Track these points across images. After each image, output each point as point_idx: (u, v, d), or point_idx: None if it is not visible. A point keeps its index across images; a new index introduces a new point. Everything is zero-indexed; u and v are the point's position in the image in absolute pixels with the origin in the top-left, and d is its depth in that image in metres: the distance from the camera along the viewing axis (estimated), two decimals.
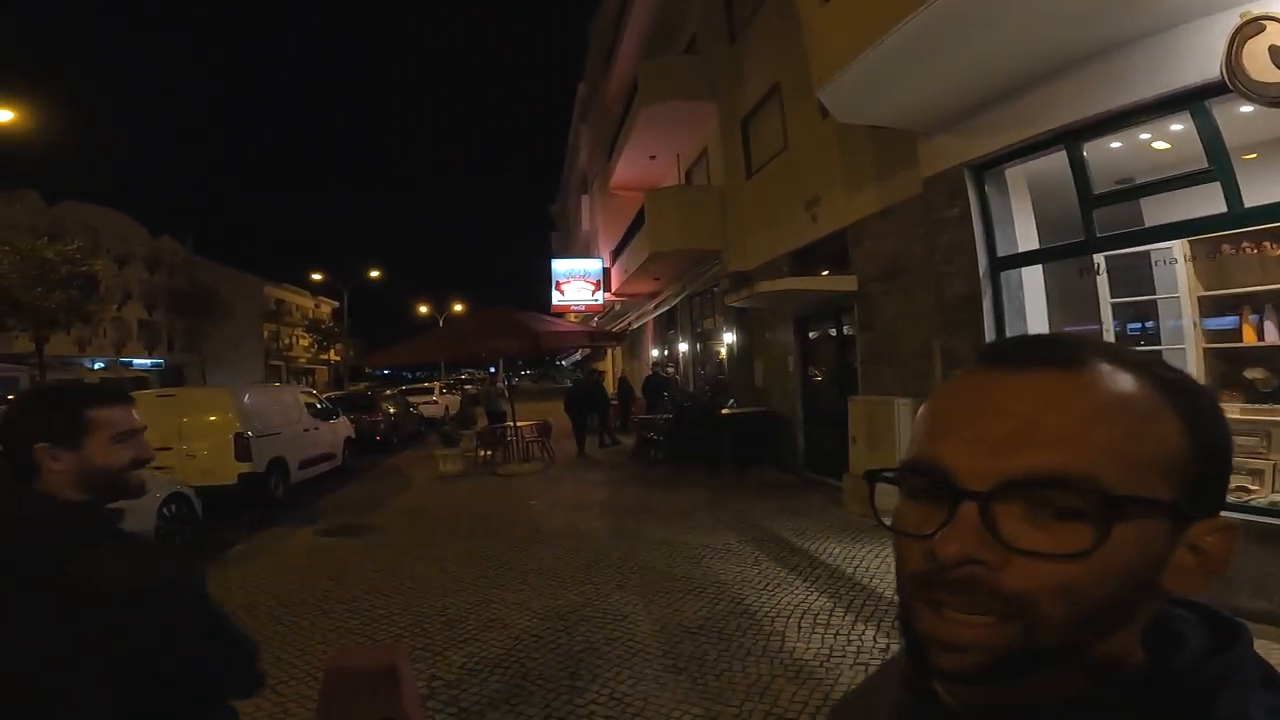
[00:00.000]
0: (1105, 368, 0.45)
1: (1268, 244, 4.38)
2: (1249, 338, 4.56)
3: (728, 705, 3.24)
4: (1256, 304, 4.57)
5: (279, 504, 9.08)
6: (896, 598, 0.49)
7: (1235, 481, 4.25)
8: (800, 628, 4.12)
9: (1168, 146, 4.74)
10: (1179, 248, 4.75)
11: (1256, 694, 0.43)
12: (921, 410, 0.50)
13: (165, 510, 6.74)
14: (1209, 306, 4.72)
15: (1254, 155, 4.19)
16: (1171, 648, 0.46)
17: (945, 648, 0.43)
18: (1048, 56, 4.39)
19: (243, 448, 8.74)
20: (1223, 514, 0.46)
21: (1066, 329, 5.54)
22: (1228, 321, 4.69)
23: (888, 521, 0.50)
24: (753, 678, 3.50)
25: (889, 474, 0.50)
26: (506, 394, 13.54)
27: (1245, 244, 4.49)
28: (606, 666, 3.73)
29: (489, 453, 12.39)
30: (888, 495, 0.53)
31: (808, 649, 3.81)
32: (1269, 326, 4.49)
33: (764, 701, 3.25)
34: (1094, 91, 4.38)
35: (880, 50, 4.47)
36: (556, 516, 7.69)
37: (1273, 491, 4.00)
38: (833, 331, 9.08)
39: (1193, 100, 3.96)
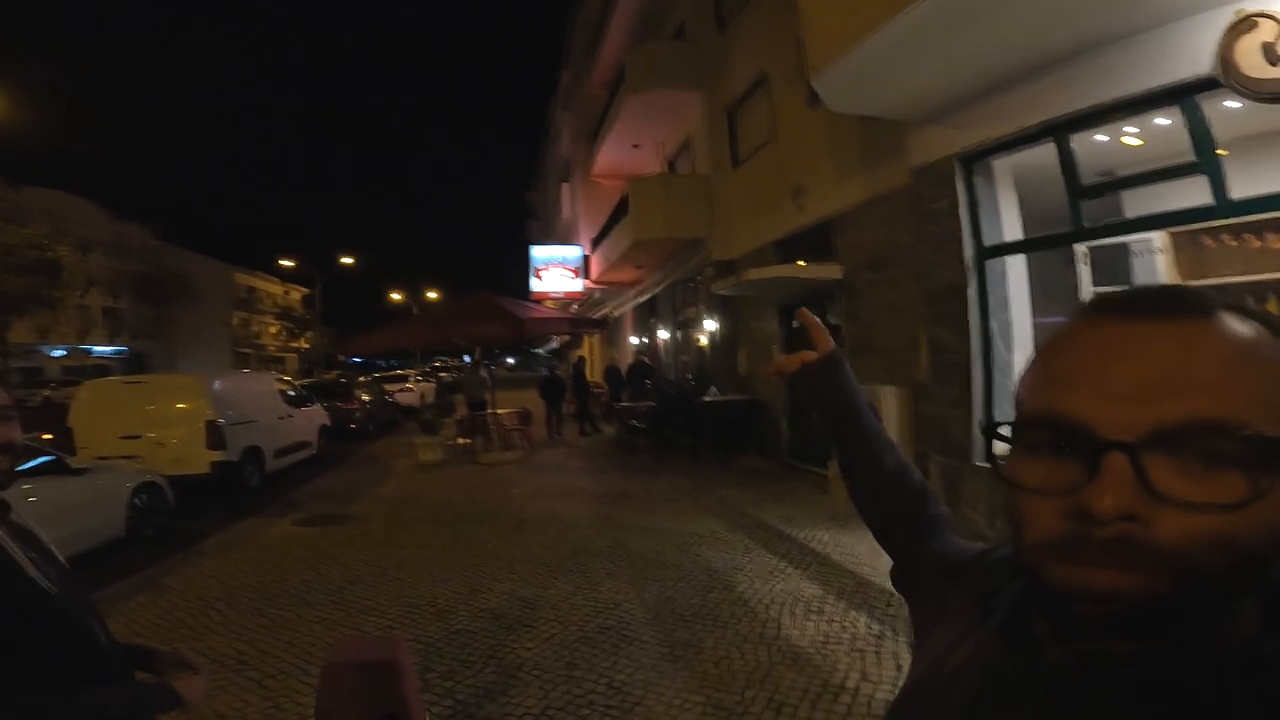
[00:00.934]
0: (1233, 316, 0.44)
1: (1248, 236, 4.48)
2: None
3: (729, 693, 3.23)
4: (1236, 295, 4.67)
5: (254, 493, 8.87)
6: (1025, 561, 0.46)
7: None
8: (794, 615, 4.14)
9: (1140, 143, 4.82)
10: (1160, 239, 4.85)
11: None
12: (1032, 364, 0.48)
13: (137, 500, 6.53)
14: None
15: (1226, 152, 4.27)
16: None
17: (1096, 599, 0.42)
18: (1041, 50, 4.40)
19: (216, 435, 8.50)
20: None
21: (1046, 319, 5.64)
22: None
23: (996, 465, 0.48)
24: (751, 665, 3.50)
25: (1007, 427, 0.48)
26: (488, 382, 13.38)
27: (1225, 236, 4.59)
28: (603, 656, 3.71)
29: (469, 441, 12.26)
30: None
31: (803, 636, 3.82)
32: None
33: (765, 689, 3.25)
34: (1085, 85, 4.41)
35: (878, 40, 4.45)
36: (541, 504, 7.63)
37: None
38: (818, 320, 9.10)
39: (1182, 95, 4.01)
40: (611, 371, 16.39)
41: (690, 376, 13.17)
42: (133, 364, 44.95)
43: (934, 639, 0.65)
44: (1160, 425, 0.40)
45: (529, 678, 3.50)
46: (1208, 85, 3.79)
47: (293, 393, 11.69)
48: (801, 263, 8.54)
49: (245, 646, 3.98)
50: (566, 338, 23.13)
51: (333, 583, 5.14)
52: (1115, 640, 0.43)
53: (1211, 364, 0.41)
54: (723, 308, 11.48)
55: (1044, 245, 5.22)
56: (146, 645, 1.43)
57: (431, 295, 45.00)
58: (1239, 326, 0.43)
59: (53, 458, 5.83)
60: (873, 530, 0.95)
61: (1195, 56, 3.74)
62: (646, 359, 15.50)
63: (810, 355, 0.97)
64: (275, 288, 63.91)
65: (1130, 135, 4.75)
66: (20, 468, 1.30)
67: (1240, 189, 3.94)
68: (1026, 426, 0.46)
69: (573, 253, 20.46)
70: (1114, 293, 0.49)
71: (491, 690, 3.37)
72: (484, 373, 14.18)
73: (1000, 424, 0.49)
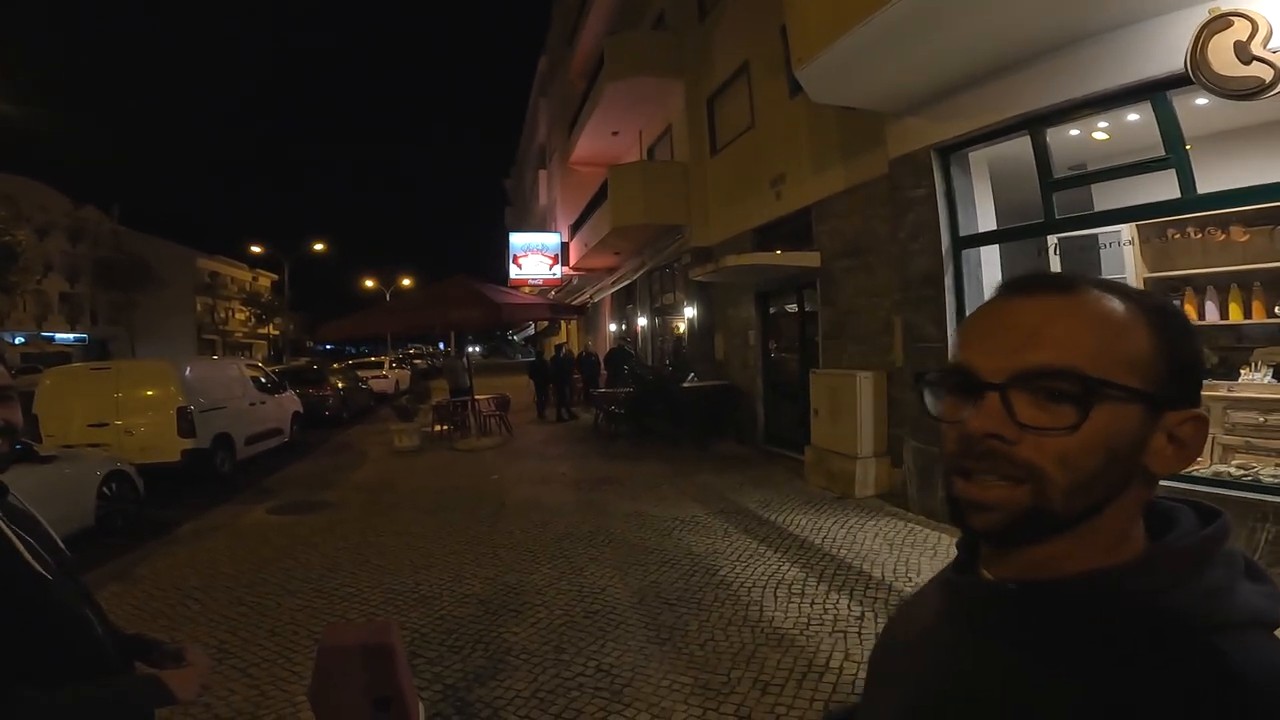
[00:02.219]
0: (1094, 292, 0.56)
1: (1212, 229, 4.64)
2: (1190, 317, 4.83)
3: (715, 674, 3.30)
4: (1198, 286, 4.85)
5: (226, 481, 8.73)
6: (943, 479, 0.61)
7: None
8: (777, 597, 4.22)
9: (1106, 137, 4.96)
10: (1128, 231, 5.00)
11: (1242, 582, 0.54)
12: (958, 329, 0.63)
13: (106, 489, 6.39)
14: (1153, 288, 4.98)
15: (1190, 146, 4.40)
16: (1166, 529, 0.58)
17: (975, 507, 0.56)
18: (1019, 44, 4.49)
19: (186, 423, 8.34)
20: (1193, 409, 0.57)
21: None
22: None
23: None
24: (736, 646, 3.58)
25: (933, 375, 0.62)
26: (468, 367, 13.30)
27: (1190, 229, 4.75)
28: (590, 639, 3.75)
29: (446, 427, 12.18)
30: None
31: (786, 618, 3.91)
32: (1210, 307, 4.77)
33: (750, 669, 3.32)
34: (1059, 80, 4.51)
35: (863, 32, 4.49)
36: (521, 491, 7.63)
37: (1215, 463, 4.27)
38: (794, 307, 9.22)
39: (1154, 91, 4.13)
40: (587, 357, 16.40)
41: (668, 362, 13.23)
42: (94, 351, 43.60)
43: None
44: (1020, 370, 0.54)
45: (517, 661, 3.53)
46: (1179, 82, 3.90)
47: (264, 379, 11.49)
48: (779, 251, 8.62)
49: (226, 635, 3.94)
50: (545, 324, 23.01)
51: (313, 570, 5.10)
52: (1007, 553, 0.58)
53: (1060, 328, 0.54)
54: (700, 294, 11.54)
55: (1017, 236, 5.34)
56: (147, 635, 1.41)
57: (406, 282, 44.36)
58: (1095, 300, 0.56)
59: (20, 445, 5.67)
60: None
61: (1167, 54, 3.84)
62: (626, 344, 15.51)
63: None
64: (243, 273, 62.41)
65: (1101, 130, 4.87)
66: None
67: (1206, 184, 4.08)
68: (947, 373, 0.60)
69: (551, 240, 20.34)
70: (1014, 277, 0.61)
71: (481, 674, 3.40)
72: (464, 358, 14.11)
73: (925, 372, 0.63)
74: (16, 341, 39.75)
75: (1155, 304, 0.57)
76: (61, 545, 1.25)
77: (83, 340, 45.13)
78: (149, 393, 8.45)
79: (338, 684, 2.26)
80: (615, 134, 15.49)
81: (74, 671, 1.10)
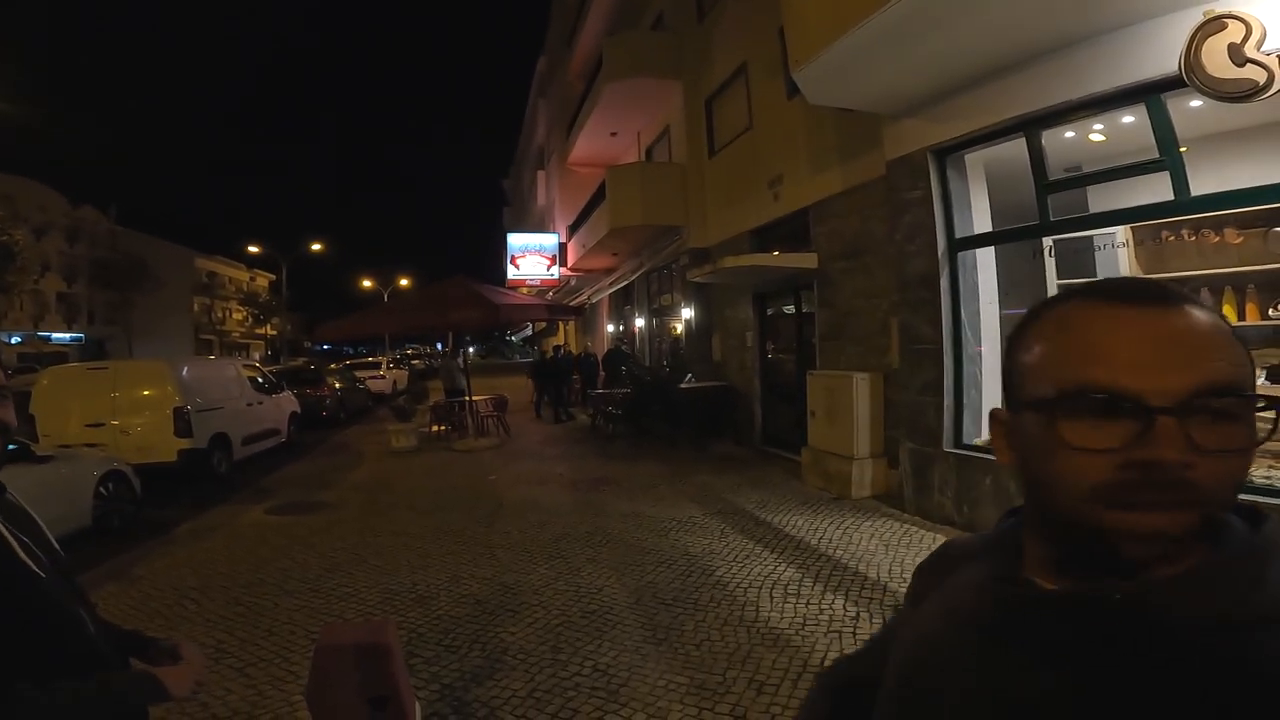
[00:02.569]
0: (1193, 304, 0.54)
1: (1206, 231, 4.66)
2: None
3: (711, 674, 3.31)
4: (1193, 288, 4.87)
5: (223, 481, 8.73)
6: (1068, 507, 0.55)
7: None
8: (772, 598, 4.23)
9: (1103, 139, 4.98)
10: (1122, 233, 5.02)
11: None
12: (1058, 341, 0.56)
13: (103, 489, 6.38)
14: None
15: (1185, 148, 4.43)
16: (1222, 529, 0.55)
17: (1145, 538, 0.51)
18: (1018, 45, 4.51)
19: (183, 423, 8.34)
20: None
21: (1013, 310, 5.82)
22: None
23: None
24: (732, 647, 3.59)
25: (1059, 403, 0.54)
26: (464, 368, 13.29)
27: (1185, 230, 4.77)
28: (586, 639, 3.76)
29: (443, 427, 12.17)
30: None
31: (782, 618, 3.92)
32: None
33: (746, 669, 3.33)
34: (1055, 82, 4.54)
35: (861, 33, 4.51)
36: (519, 491, 7.64)
37: None
38: (791, 308, 9.23)
39: (1148, 94, 4.15)
40: (586, 358, 16.42)
41: (666, 363, 13.24)
42: (91, 350, 43.53)
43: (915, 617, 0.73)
44: (1192, 391, 0.50)
45: (514, 662, 3.53)
46: (1173, 84, 3.92)
47: (262, 380, 11.48)
48: (776, 252, 8.64)
49: (224, 635, 3.94)
50: (543, 324, 22.99)
51: (310, 571, 5.10)
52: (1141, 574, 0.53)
53: (1212, 341, 0.52)
54: (698, 295, 11.55)
55: (1012, 238, 5.36)
56: (143, 633, 1.41)
57: (404, 282, 44.33)
58: (1206, 310, 0.54)
59: (15, 445, 5.67)
60: None
61: (1162, 56, 3.87)
62: (623, 345, 15.52)
63: None
64: (240, 273, 62.35)
65: (1097, 132, 4.89)
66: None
67: (1201, 186, 4.10)
68: (1066, 398, 0.53)
69: (549, 240, 20.35)
70: (1106, 282, 0.57)
71: (478, 674, 3.41)
72: (460, 359, 14.11)
73: (1045, 400, 0.55)
74: (13, 341, 39.68)
75: (1213, 310, 0.57)
76: (56, 544, 1.25)
77: (79, 340, 45.06)
78: (146, 393, 8.45)
79: (334, 683, 2.27)
80: (614, 135, 15.51)
81: (70, 669, 1.10)
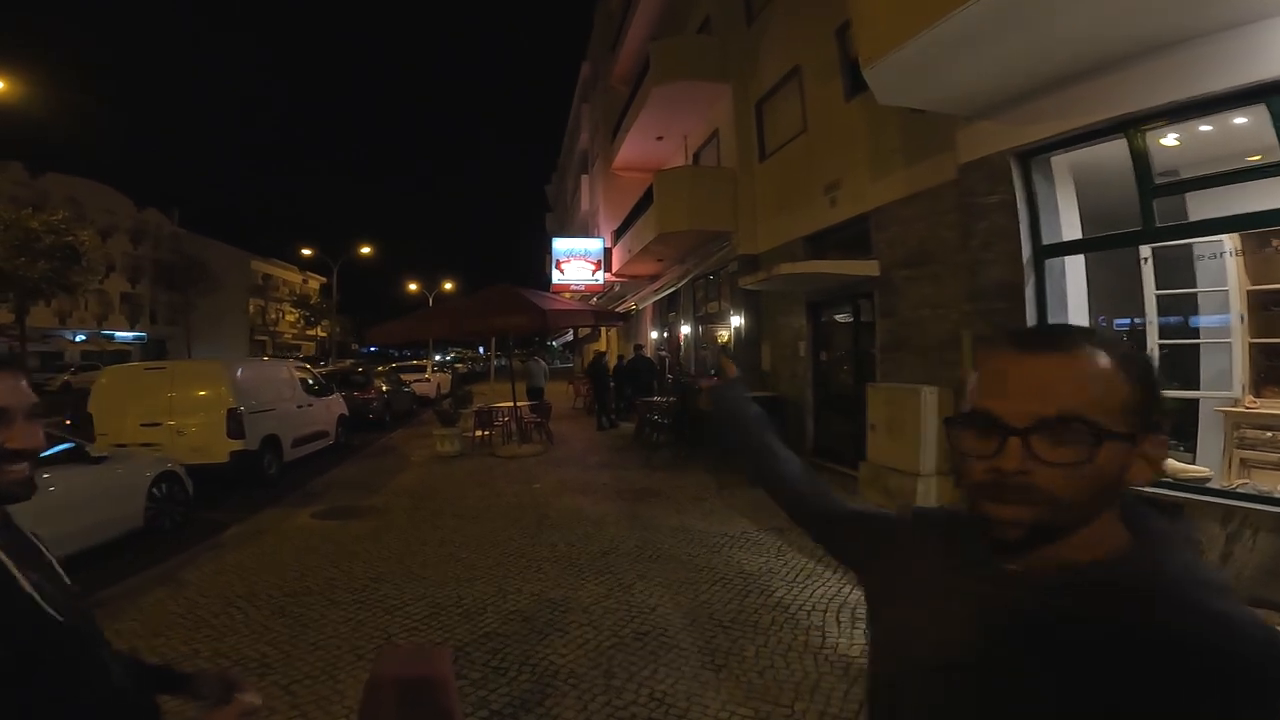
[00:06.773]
0: (1088, 349, 0.69)
1: None
2: None
3: (778, 705, 3.05)
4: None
5: (272, 483, 8.78)
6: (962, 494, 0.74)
7: (1271, 476, 4.12)
8: (840, 622, 3.95)
9: (1206, 142, 4.55)
10: (1230, 241, 4.59)
11: (1201, 560, 0.72)
12: (974, 377, 0.74)
13: (155, 490, 6.43)
14: (1257, 302, 4.57)
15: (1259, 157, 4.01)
16: (1140, 525, 0.73)
17: (1006, 524, 0.69)
18: (1115, 43, 4.16)
19: (236, 424, 8.41)
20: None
21: (1105, 320, 5.43)
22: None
23: None
24: (799, 675, 3.32)
25: (960, 420, 0.73)
26: (546, 370, 13.39)
27: None
28: (641, 664, 3.54)
29: (486, 433, 12.13)
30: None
31: (852, 645, 3.63)
32: None
33: (816, 701, 3.07)
34: (1161, 81, 4.16)
35: (940, 30, 4.21)
36: (564, 500, 7.47)
37: None
38: (848, 317, 8.87)
39: (1269, 94, 3.76)
40: (636, 362, 16.24)
41: (712, 372, 12.95)
42: (152, 349, 45.39)
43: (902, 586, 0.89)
44: (1037, 418, 0.67)
45: (565, 686, 3.33)
46: None
47: (313, 381, 11.61)
48: (832, 259, 8.31)
49: (268, 649, 3.83)
50: (587, 330, 22.95)
51: (357, 580, 5.00)
52: (1023, 552, 0.70)
53: (1066, 382, 0.67)
54: (748, 303, 11.25)
55: (1108, 245, 4.96)
56: (173, 667, 1.25)
57: (448, 286, 44.99)
58: (1090, 357, 0.68)
59: (72, 444, 5.73)
60: (786, 513, 1.23)
61: None
62: (646, 353, 15.28)
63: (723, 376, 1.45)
64: (293, 276, 64.25)
65: (1205, 133, 4.48)
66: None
67: None
68: (971, 417, 0.71)
69: (594, 245, 20.26)
70: (1018, 331, 0.73)
71: (527, 700, 3.21)
72: (542, 361, 14.53)
73: (955, 417, 0.73)
74: (78, 339, 41.54)
75: (1128, 354, 0.70)
76: (65, 578, 1.07)
77: (142, 339, 46.96)
78: (201, 393, 8.55)
79: (387, 715, 2.09)
80: (659, 139, 15.34)
81: None
